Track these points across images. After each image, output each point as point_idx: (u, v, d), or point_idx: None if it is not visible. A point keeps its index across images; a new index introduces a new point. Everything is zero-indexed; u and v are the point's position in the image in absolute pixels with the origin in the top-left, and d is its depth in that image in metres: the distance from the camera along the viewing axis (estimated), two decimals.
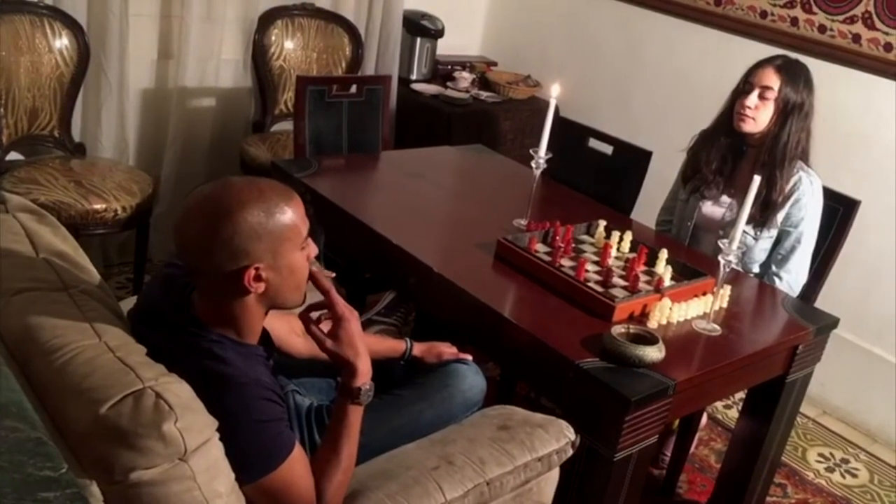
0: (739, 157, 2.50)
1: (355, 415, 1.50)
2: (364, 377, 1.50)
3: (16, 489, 0.81)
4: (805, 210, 2.41)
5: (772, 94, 2.34)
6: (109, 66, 3.15)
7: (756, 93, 2.36)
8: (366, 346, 1.52)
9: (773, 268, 2.47)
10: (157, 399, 1.16)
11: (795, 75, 2.36)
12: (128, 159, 3.34)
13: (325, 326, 1.53)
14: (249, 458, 1.35)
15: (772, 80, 2.34)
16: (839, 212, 2.50)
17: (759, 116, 2.37)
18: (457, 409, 1.80)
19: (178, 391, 1.20)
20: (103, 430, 1.15)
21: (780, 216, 2.42)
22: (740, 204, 2.42)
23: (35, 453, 0.88)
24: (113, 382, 1.19)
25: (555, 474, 1.82)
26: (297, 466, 1.41)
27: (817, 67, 3.09)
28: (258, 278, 1.38)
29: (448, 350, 1.98)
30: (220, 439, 1.27)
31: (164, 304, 1.48)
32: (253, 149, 3.39)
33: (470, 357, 1.96)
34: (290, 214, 1.39)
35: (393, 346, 1.98)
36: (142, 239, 3.08)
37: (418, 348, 1.97)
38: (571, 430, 1.80)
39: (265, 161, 3.22)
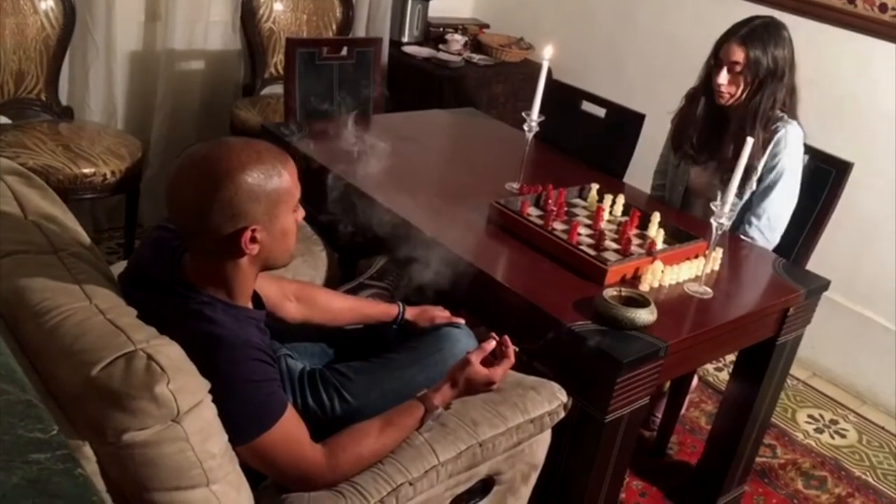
0: (722, 122, 2.47)
1: (415, 420, 1.58)
2: (445, 404, 1.63)
3: (6, 451, 0.81)
4: (781, 156, 2.38)
5: (739, 68, 2.32)
6: (96, 28, 3.11)
7: (725, 69, 2.34)
8: (470, 391, 1.66)
9: (746, 214, 2.45)
10: (149, 361, 1.16)
11: (763, 40, 2.31)
12: (116, 123, 3.31)
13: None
14: (242, 419, 1.35)
15: (737, 54, 2.31)
16: (832, 174, 2.49)
17: (733, 90, 2.36)
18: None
19: (170, 353, 1.20)
20: (95, 392, 1.14)
21: (760, 165, 2.41)
22: (724, 169, 2.41)
23: (25, 415, 0.87)
24: (104, 344, 1.18)
25: (547, 436, 1.84)
26: (290, 427, 1.42)
27: (811, 28, 3.08)
28: (253, 240, 1.38)
29: (441, 314, 1.98)
30: (213, 401, 1.27)
31: (155, 267, 1.47)
32: (243, 112, 3.37)
33: (462, 321, 1.97)
34: (287, 178, 1.41)
35: (385, 309, 1.98)
36: (132, 203, 3.06)
37: (411, 312, 1.98)
38: (564, 392, 1.81)
39: (255, 125, 3.19)
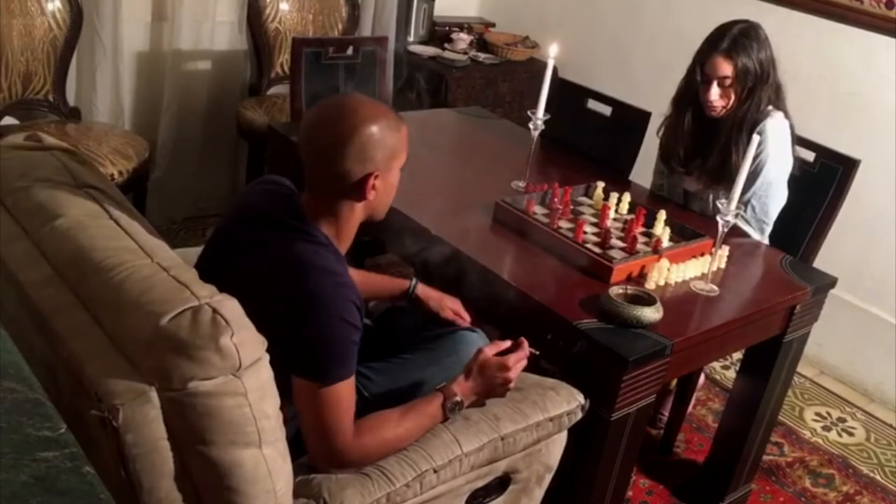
0: (710, 132, 2.43)
1: (434, 406, 1.61)
2: (464, 394, 1.64)
3: (14, 449, 0.82)
4: (764, 146, 2.34)
5: (729, 81, 2.29)
6: (103, 28, 3.12)
7: (714, 84, 2.31)
8: (486, 382, 1.66)
9: None
10: (214, 314, 1.19)
11: (746, 47, 2.28)
12: (123, 123, 3.32)
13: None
14: (324, 355, 1.44)
15: (724, 68, 2.28)
16: (839, 171, 2.48)
17: (725, 102, 2.33)
18: None
19: (233, 308, 1.23)
20: (163, 341, 1.18)
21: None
22: (711, 180, 2.40)
23: (33, 414, 0.88)
24: (170, 298, 1.22)
25: (563, 438, 1.85)
26: (350, 391, 1.49)
27: (818, 26, 3.07)
28: (374, 186, 1.54)
29: (453, 306, 1.99)
30: (302, 333, 1.40)
31: (269, 208, 1.59)
32: (249, 112, 3.37)
33: (479, 330, 1.97)
34: (404, 136, 1.58)
35: (398, 283, 2.02)
36: (139, 203, 3.07)
37: (424, 291, 2.00)
38: (581, 394, 1.81)
39: (262, 125, 3.20)
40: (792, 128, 2.40)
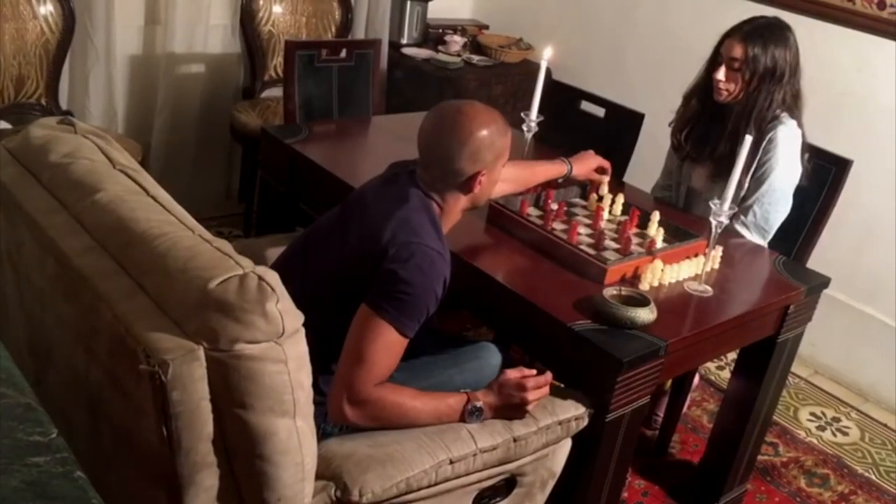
0: (719, 119, 2.45)
1: (455, 399, 1.69)
2: (486, 404, 1.71)
3: (5, 454, 0.82)
4: (770, 156, 2.36)
5: (737, 64, 2.31)
6: (96, 32, 3.12)
7: (724, 65, 2.33)
8: (504, 399, 1.73)
9: (736, 212, 2.38)
10: (260, 281, 1.23)
11: (764, 38, 2.29)
12: (117, 127, 3.32)
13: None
14: (398, 299, 1.59)
15: (736, 50, 2.30)
16: (832, 171, 2.49)
17: (731, 87, 2.35)
18: (483, 381, 1.81)
19: (275, 279, 1.26)
20: (211, 303, 1.21)
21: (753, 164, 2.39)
22: (720, 168, 2.40)
23: (24, 419, 0.88)
24: (216, 265, 1.26)
25: (567, 444, 1.86)
26: (399, 348, 1.63)
27: (810, 26, 3.08)
28: (480, 182, 1.74)
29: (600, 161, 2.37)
30: (397, 271, 1.57)
31: (398, 188, 1.76)
32: (243, 115, 3.37)
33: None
34: (509, 138, 1.79)
35: (557, 169, 2.28)
36: None
37: (577, 170, 2.30)
38: (586, 403, 1.82)
39: (256, 128, 3.19)
40: (804, 138, 2.40)
